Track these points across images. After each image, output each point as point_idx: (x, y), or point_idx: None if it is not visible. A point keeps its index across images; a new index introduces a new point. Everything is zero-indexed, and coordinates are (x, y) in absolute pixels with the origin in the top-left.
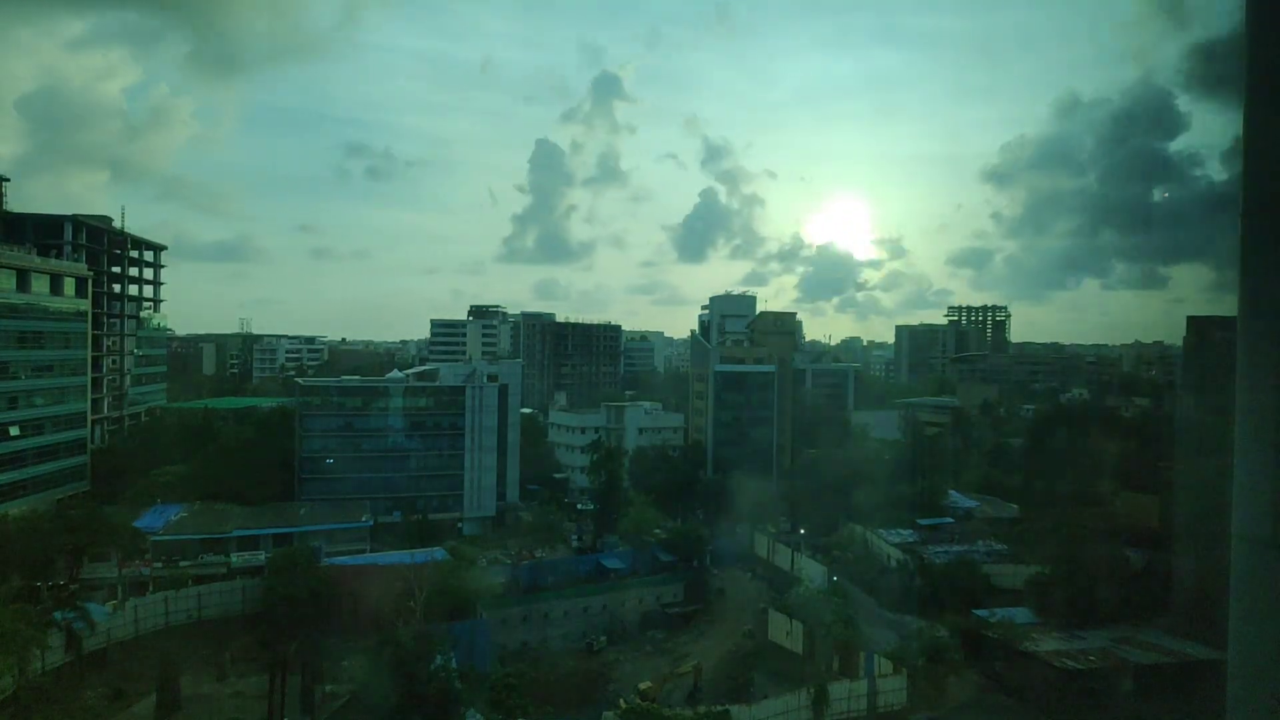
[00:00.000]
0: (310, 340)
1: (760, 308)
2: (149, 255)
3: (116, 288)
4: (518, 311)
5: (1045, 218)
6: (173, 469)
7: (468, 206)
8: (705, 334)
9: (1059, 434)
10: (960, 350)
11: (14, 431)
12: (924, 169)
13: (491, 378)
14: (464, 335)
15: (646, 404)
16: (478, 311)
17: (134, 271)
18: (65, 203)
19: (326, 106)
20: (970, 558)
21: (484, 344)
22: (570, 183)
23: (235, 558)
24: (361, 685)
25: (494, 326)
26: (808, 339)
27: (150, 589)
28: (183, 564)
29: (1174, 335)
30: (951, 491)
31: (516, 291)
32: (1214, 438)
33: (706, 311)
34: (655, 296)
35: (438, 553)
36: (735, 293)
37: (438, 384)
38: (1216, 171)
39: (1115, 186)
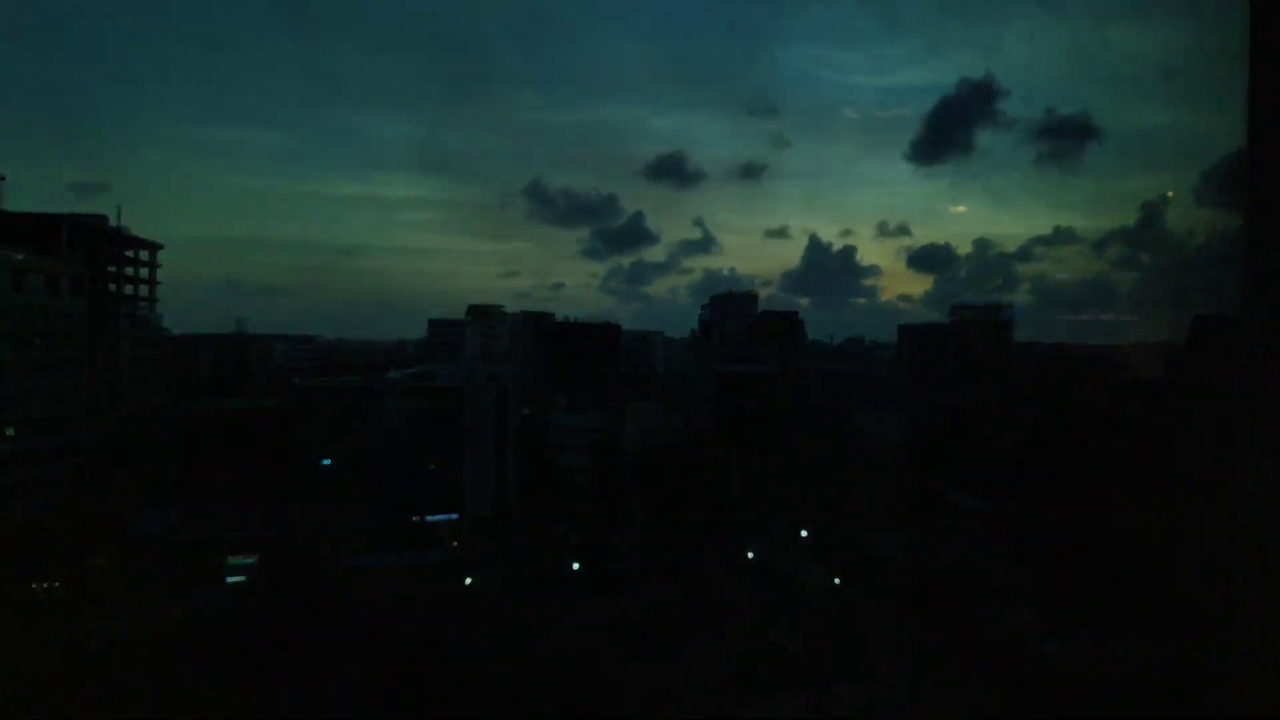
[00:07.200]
0: (308, 340)
1: None
2: (145, 254)
3: (113, 287)
4: (517, 310)
5: None
6: (169, 469)
7: None
8: (706, 334)
9: (1060, 433)
10: (962, 349)
11: (10, 432)
12: None
13: (490, 378)
14: (462, 335)
15: (646, 404)
16: (476, 311)
17: (130, 271)
18: None
19: None
20: (971, 557)
21: (483, 344)
22: None
23: (231, 559)
24: (359, 686)
25: (493, 326)
26: (809, 338)
27: (146, 590)
28: (178, 565)
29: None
30: (953, 491)
31: None
32: (1219, 438)
33: (706, 311)
34: None
35: (435, 553)
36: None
37: (436, 384)
38: None
39: None
